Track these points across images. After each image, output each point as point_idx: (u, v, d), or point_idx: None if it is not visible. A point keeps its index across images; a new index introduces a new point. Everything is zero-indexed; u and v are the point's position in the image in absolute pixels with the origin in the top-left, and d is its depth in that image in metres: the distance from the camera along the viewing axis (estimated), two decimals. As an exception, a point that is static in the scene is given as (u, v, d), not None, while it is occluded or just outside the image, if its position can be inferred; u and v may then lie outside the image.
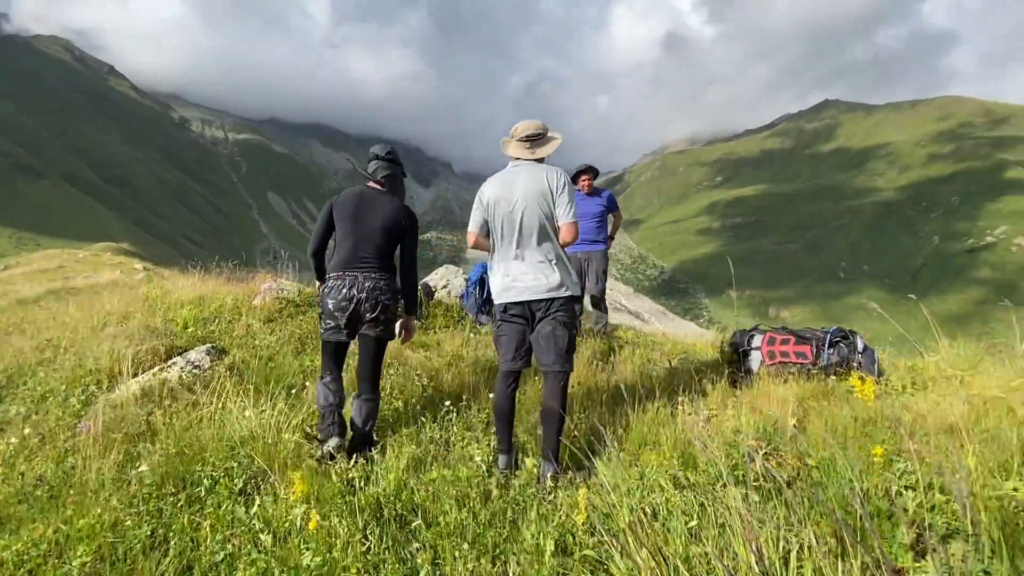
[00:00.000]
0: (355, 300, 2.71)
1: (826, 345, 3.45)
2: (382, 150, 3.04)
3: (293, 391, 3.54)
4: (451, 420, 2.91)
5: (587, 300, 5.21)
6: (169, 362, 4.29)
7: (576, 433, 2.72)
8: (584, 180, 5.37)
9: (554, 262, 2.54)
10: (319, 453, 2.62)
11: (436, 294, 6.24)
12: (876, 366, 3.34)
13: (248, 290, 6.69)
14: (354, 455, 2.55)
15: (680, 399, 2.98)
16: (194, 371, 4.13)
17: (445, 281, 6.26)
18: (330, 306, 2.76)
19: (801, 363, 3.52)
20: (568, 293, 2.52)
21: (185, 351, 4.53)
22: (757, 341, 3.71)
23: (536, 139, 2.64)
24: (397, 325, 2.94)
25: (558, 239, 2.58)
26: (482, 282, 5.71)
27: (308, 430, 2.87)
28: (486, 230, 2.70)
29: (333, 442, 2.65)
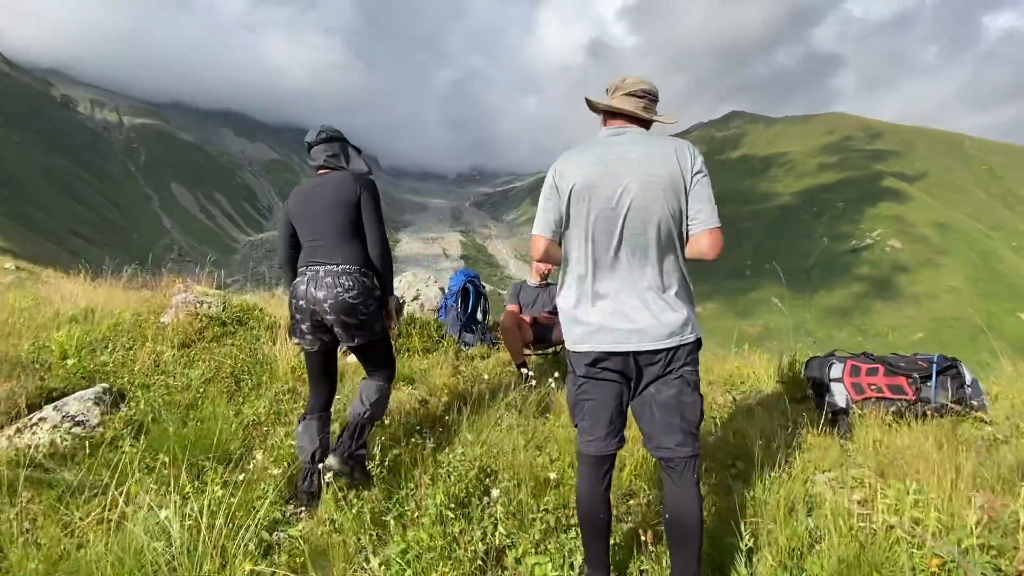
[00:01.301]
0: (313, 300, 2.31)
1: (932, 377, 2.89)
2: (314, 135, 2.61)
3: (232, 461, 2.46)
4: (494, 514, 1.99)
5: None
6: (35, 416, 3.02)
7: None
8: None
9: (676, 290, 1.72)
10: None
11: (405, 308, 5.20)
12: (984, 400, 2.84)
13: (154, 302, 5.28)
14: (337, 469, 2.21)
15: (781, 455, 2.27)
16: (75, 431, 2.89)
17: (415, 291, 5.25)
18: (292, 308, 2.41)
19: (899, 399, 2.95)
20: (695, 335, 1.71)
21: (63, 396, 3.25)
22: (837, 371, 3.10)
23: (653, 100, 1.79)
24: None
25: (683, 252, 1.75)
26: (464, 293, 4.77)
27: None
28: (559, 232, 1.82)
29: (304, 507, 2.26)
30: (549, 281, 4.30)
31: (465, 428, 2.68)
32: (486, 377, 3.60)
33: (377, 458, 2.34)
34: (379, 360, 2.52)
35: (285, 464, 2.50)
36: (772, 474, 2.23)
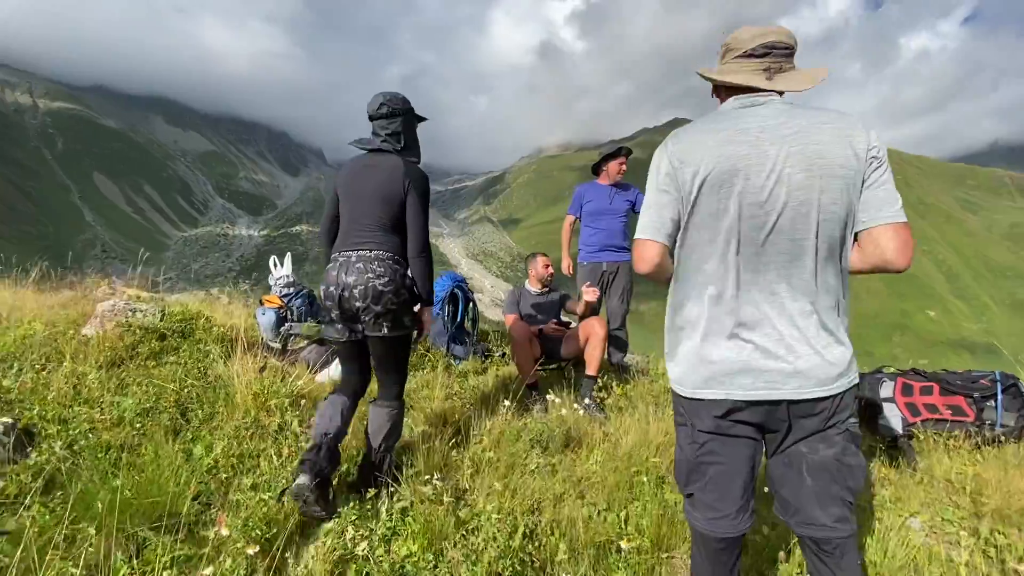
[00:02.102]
0: (343, 286, 2.19)
1: (997, 397, 2.65)
2: (375, 105, 2.38)
3: (184, 525, 1.86)
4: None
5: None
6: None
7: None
8: (622, 164, 4.17)
9: (839, 314, 1.30)
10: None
11: None
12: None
13: (74, 310, 4.43)
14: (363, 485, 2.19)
15: (864, 496, 1.93)
16: (-39, 493, 2.19)
17: None
18: (322, 294, 2.32)
19: (959, 421, 2.70)
20: (856, 377, 1.29)
21: (-54, 440, 2.53)
22: (887, 390, 2.82)
23: (788, 54, 1.36)
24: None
25: (847, 263, 1.31)
26: (453, 299, 4.23)
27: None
28: (675, 237, 1.37)
29: (300, 479, 2.03)
30: (552, 288, 3.84)
31: (487, 471, 2.18)
32: (507, 404, 3.10)
33: (384, 526, 1.80)
34: (395, 366, 2.34)
35: (259, 532, 1.91)
36: (867, 522, 1.88)
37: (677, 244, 1.38)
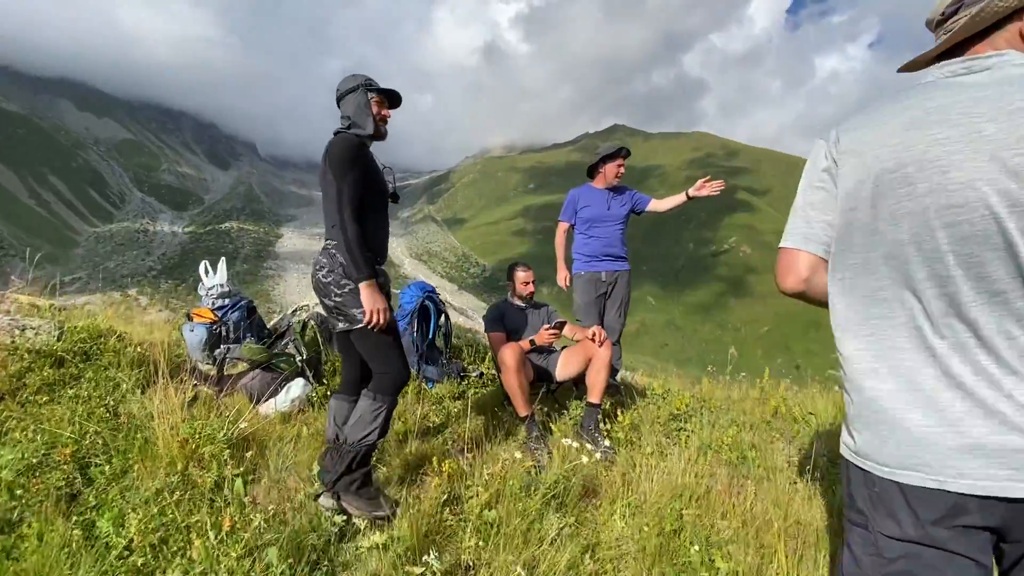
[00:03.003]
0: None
1: None
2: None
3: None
4: None
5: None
6: None
7: None
8: (620, 166, 3.83)
9: None
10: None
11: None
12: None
13: (-60, 328, 3.58)
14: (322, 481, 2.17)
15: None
16: None
17: None
18: None
19: None
20: None
21: None
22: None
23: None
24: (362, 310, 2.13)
25: None
26: (423, 312, 3.72)
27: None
28: (829, 246, 1.06)
29: (322, 500, 2.14)
30: (536, 301, 3.42)
31: (496, 541, 1.73)
32: (503, 444, 2.62)
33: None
34: (372, 359, 2.20)
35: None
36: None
37: (834, 258, 1.01)
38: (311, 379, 3.30)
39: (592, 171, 4.05)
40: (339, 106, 2.33)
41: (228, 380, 3.27)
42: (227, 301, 3.94)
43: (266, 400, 3.16)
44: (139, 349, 3.58)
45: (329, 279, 2.13)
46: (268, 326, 4.40)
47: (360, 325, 2.10)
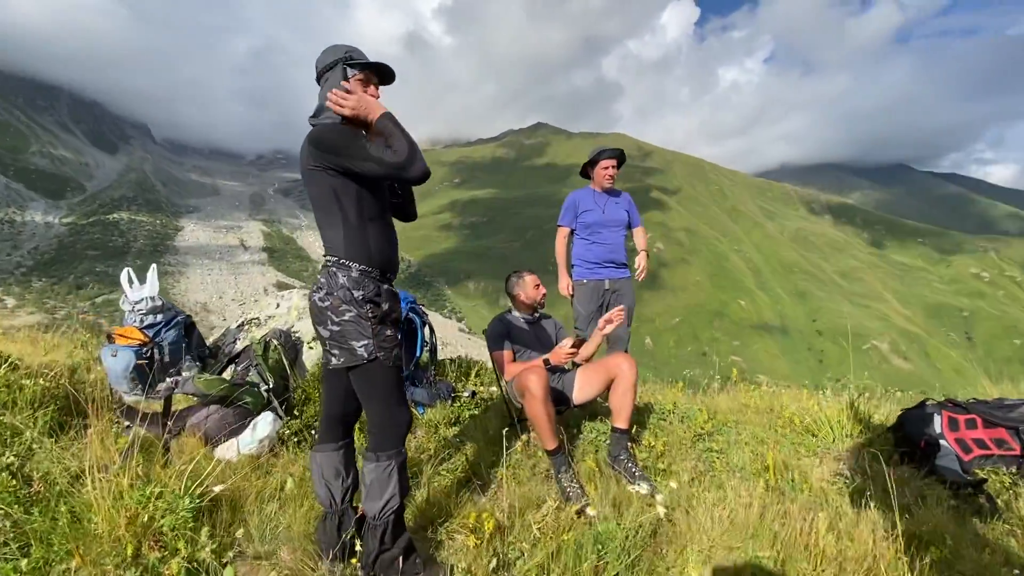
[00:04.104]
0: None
1: None
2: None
3: None
4: None
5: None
6: None
7: None
8: (613, 167, 3.57)
9: None
10: None
11: (303, 349, 3.47)
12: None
13: None
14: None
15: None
16: None
17: (298, 320, 3.50)
18: None
19: (1006, 455, 2.55)
20: None
21: None
22: (937, 426, 2.59)
23: None
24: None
25: None
26: (407, 326, 3.27)
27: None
28: None
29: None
30: (541, 313, 3.09)
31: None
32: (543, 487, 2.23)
33: None
34: (369, 405, 1.77)
35: None
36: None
37: None
38: (280, 412, 2.75)
39: (585, 172, 3.79)
40: (320, 87, 1.86)
41: (171, 418, 2.63)
42: (159, 317, 3.24)
43: (227, 440, 2.58)
44: (42, 382, 2.82)
45: (327, 303, 1.71)
46: (208, 344, 3.71)
47: (363, 362, 1.70)
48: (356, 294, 1.70)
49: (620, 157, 3.68)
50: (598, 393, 2.76)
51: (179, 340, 3.29)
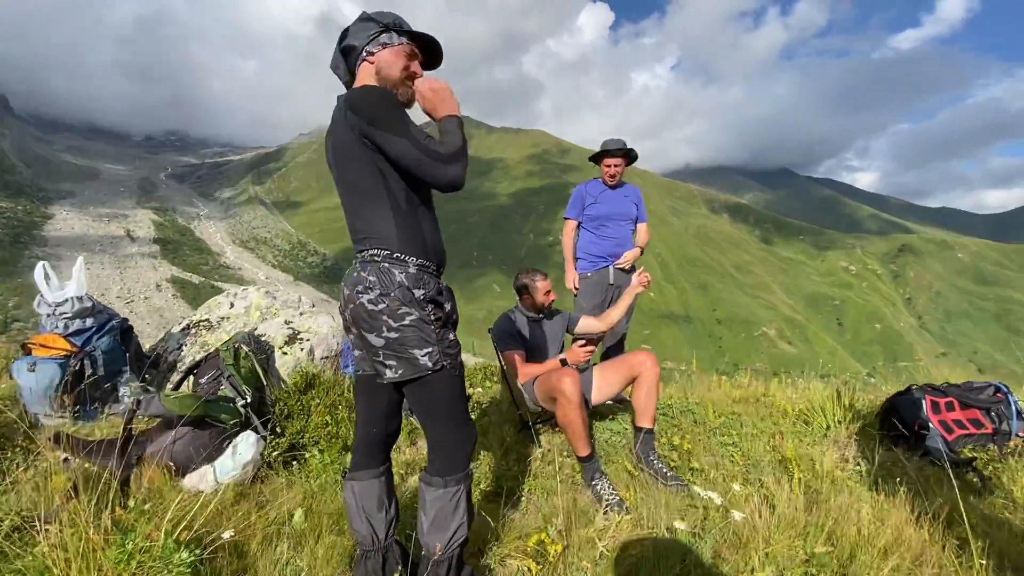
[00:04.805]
0: (343, 302, 1.54)
1: (1012, 407, 2.76)
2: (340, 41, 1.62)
3: None
4: None
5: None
6: None
7: None
8: (616, 165, 3.43)
9: None
10: None
11: (274, 356, 3.05)
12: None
13: None
14: None
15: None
16: None
17: (283, 325, 3.09)
18: None
19: (980, 434, 2.77)
20: None
21: None
22: (925, 409, 2.76)
23: None
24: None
25: None
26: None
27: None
28: None
29: None
30: (554, 309, 2.91)
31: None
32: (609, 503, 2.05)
33: None
34: (434, 425, 1.51)
35: None
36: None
37: None
38: (263, 430, 2.35)
39: (597, 161, 3.67)
40: (344, 58, 1.60)
41: (134, 445, 2.13)
42: (89, 322, 2.66)
43: (197, 468, 2.15)
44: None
45: (381, 306, 1.43)
46: (146, 351, 3.14)
47: (427, 373, 1.44)
48: (416, 293, 1.45)
49: (627, 156, 3.55)
50: (617, 393, 2.66)
51: (115, 348, 2.74)
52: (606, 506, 2.12)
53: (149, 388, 2.72)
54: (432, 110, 1.50)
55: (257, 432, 2.33)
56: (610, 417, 2.97)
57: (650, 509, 2.01)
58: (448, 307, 1.55)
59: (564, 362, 2.51)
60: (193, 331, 3.23)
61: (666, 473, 2.32)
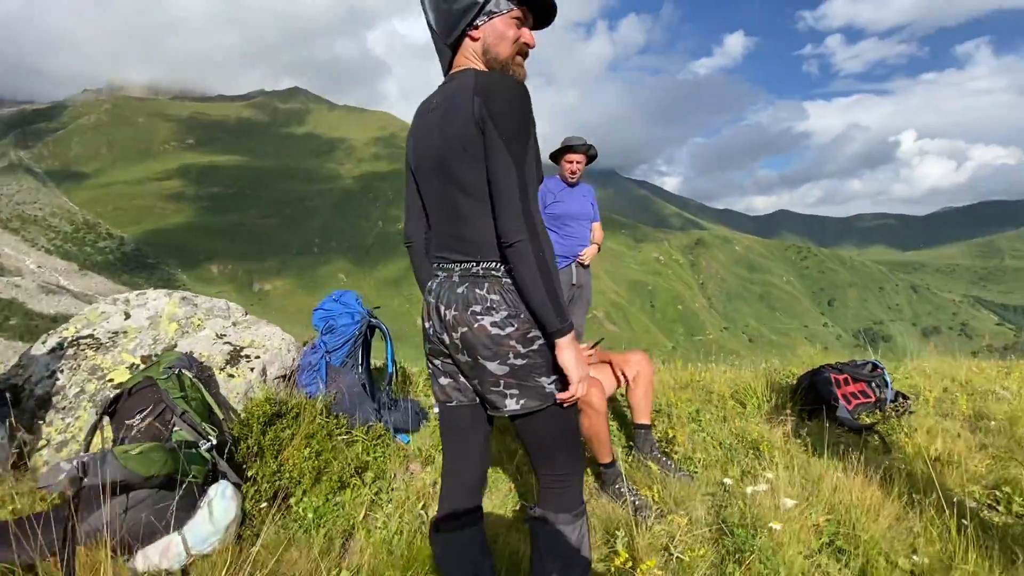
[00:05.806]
0: (440, 325, 1.33)
1: (887, 378, 3.44)
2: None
3: None
4: None
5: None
6: None
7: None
8: (577, 163, 3.34)
9: None
10: None
11: (217, 380, 2.48)
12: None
13: None
14: None
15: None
16: None
17: (218, 341, 2.51)
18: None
19: (869, 402, 3.35)
20: None
21: None
22: (834, 385, 3.31)
23: None
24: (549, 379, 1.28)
25: None
26: (367, 338, 2.63)
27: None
28: None
29: None
30: None
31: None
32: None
33: None
34: (555, 457, 1.34)
35: None
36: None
37: None
38: (233, 477, 1.85)
39: (555, 159, 3.57)
40: (434, 22, 1.32)
41: (82, 517, 1.48)
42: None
43: (148, 543, 1.61)
44: None
45: (509, 329, 1.24)
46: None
47: (552, 403, 1.28)
48: (522, 309, 1.27)
49: (588, 155, 3.52)
50: (610, 394, 2.69)
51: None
52: (634, 507, 2.14)
53: (26, 439, 1.94)
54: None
55: (229, 480, 1.83)
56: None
57: (685, 504, 2.09)
58: None
59: None
60: (71, 351, 2.42)
61: (670, 466, 2.43)
